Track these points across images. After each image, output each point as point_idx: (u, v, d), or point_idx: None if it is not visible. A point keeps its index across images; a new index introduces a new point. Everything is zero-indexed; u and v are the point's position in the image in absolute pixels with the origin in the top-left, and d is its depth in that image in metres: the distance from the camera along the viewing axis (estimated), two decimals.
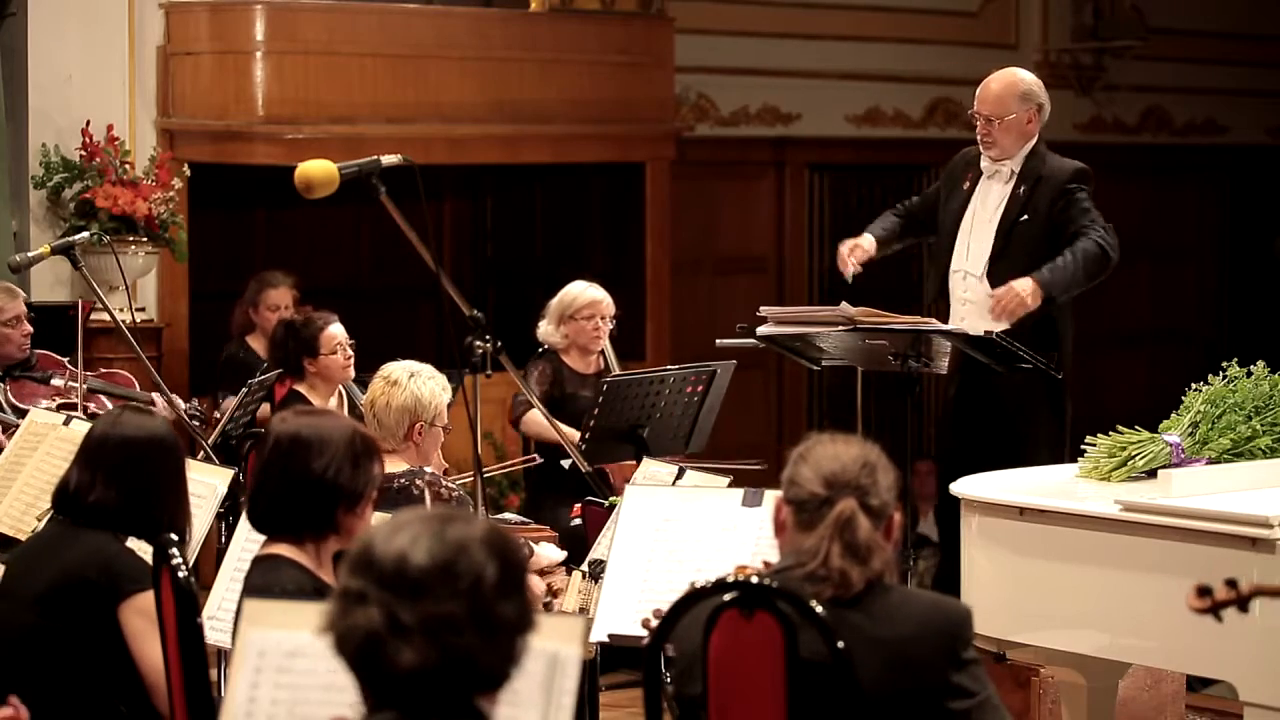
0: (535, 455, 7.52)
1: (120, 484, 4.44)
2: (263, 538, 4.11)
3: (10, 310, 7.15)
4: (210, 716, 4.07)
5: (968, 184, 6.79)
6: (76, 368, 7.06)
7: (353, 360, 7.45)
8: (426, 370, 5.61)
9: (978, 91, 6.71)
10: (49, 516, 4.63)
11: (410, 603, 2.53)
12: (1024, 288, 6.38)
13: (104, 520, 4.43)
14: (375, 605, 2.54)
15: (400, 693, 2.55)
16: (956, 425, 6.88)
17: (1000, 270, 6.60)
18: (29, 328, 7.19)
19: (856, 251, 6.77)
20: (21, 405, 6.95)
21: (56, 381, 7.16)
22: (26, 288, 7.68)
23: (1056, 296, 6.43)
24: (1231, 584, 3.07)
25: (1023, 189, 6.64)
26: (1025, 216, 6.61)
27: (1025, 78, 6.74)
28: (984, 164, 6.75)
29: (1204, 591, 3.05)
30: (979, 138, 6.70)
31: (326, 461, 3.94)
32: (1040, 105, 6.67)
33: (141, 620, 4.33)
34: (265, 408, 7.52)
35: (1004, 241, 6.61)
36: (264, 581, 3.90)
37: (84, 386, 6.93)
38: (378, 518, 4.15)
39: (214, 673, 5.14)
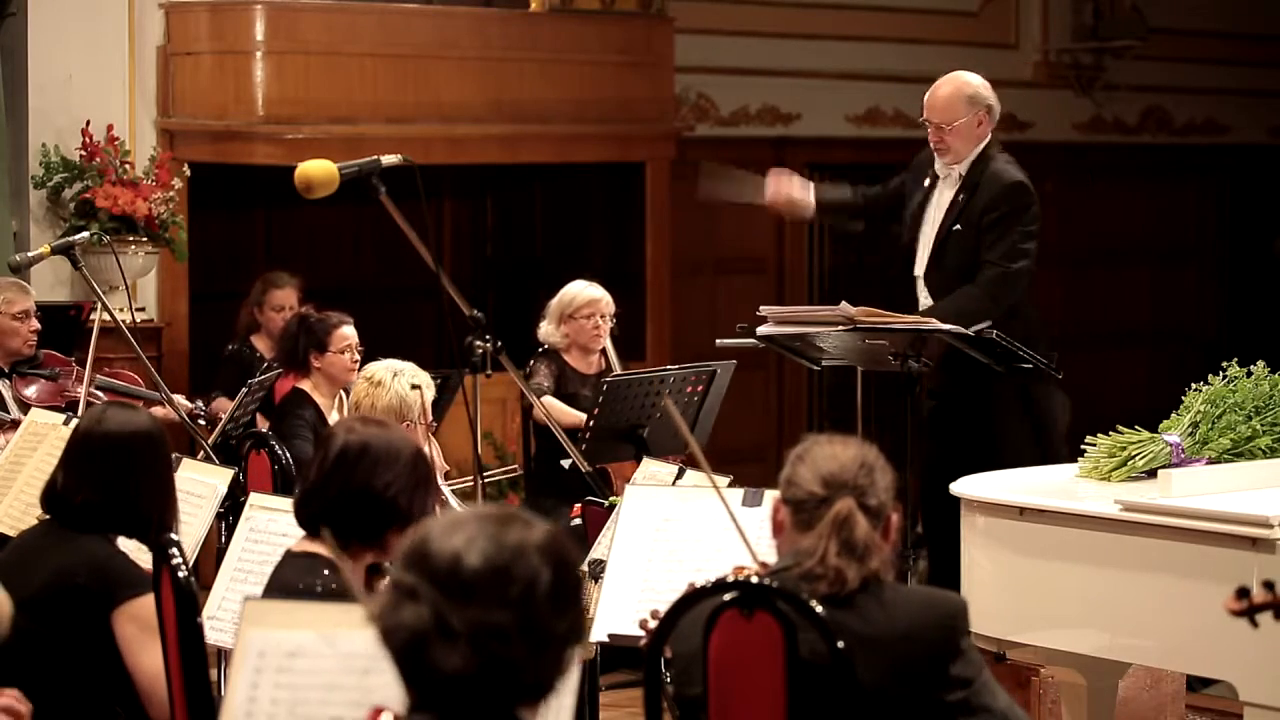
0: (516, 467, 7.67)
1: (106, 481, 4.39)
2: (263, 537, 4.10)
3: (20, 304, 7.18)
4: (210, 717, 4.06)
5: (927, 182, 6.77)
6: (81, 367, 7.07)
7: (358, 365, 7.44)
8: (409, 368, 5.63)
9: (925, 99, 6.66)
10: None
11: (460, 606, 2.46)
12: None
13: (91, 519, 4.39)
14: (425, 604, 2.47)
15: (441, 695, 2.49)
16: (932, 430, 6.86)
17: (935, 278, 6.64)
18: (37, 324, 7.21)
19: (794, 190, 6.87)
20: (27, 401, 6.97)
21: (63, 379, 7.17)
22: None
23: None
24: (1269, 586, 3.03)
25: (962, 196, 6.61)
26: (959, 226, 6.59)
27: (971, 80, 6.67)
28: (938, 167, 6.73)
29: (1242, 593, 3.01)
30: (933, 145, 6.66)
31: (390, 479, 3.88)
32: (989, 107, 6.62)
33: (134, 627, 4.30)
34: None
35: (940, 250, 6.61)
36: (304, 580, 3.87)
37: (91, 384, 6.93)
38: None
39: (214, 673, 5.14)
